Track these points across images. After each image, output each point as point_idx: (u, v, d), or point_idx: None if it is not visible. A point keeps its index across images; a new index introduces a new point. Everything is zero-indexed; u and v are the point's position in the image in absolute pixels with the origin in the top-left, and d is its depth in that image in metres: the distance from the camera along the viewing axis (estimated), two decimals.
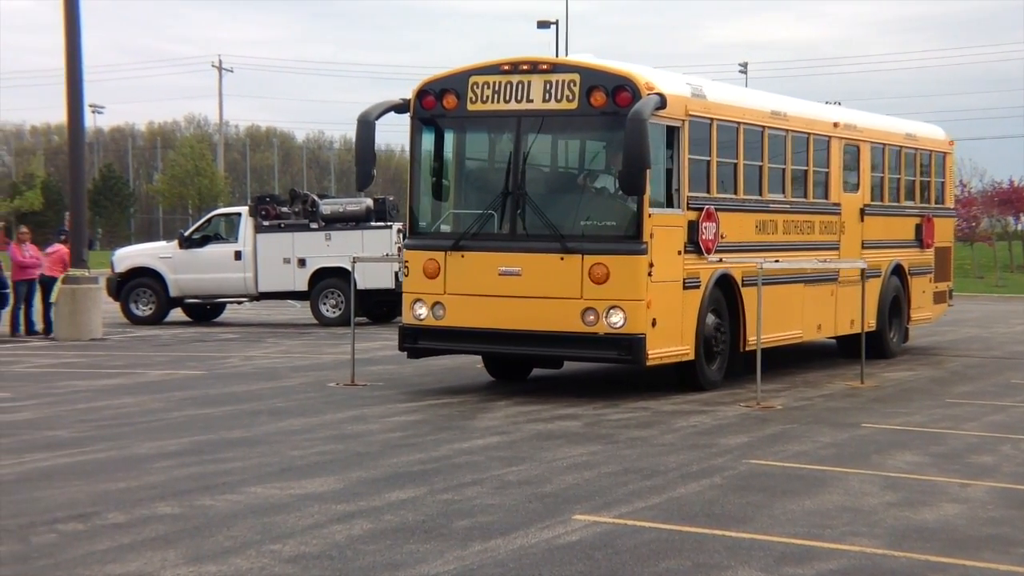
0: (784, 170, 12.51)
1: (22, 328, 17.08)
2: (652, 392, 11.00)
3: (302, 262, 18.89)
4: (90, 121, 66.21)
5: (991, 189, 41.38)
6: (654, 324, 10.21)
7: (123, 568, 5.27)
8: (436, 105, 10.77)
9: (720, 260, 11.28)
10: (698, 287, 10.89)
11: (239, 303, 20.26)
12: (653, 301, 10.20)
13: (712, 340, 11.16)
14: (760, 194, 12.06)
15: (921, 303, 15.25)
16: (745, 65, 59.67)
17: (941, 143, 16.15)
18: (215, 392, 11.07)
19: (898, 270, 14.53)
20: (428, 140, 10.99)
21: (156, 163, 77.95)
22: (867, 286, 13.53)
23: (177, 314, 20.03)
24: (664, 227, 10.42)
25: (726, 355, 11.39)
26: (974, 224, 40.68)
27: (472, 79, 10.66)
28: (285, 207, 19.46)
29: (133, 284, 19.41)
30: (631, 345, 10.09)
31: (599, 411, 9.92)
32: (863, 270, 12.91)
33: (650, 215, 10.17)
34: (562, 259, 10.21)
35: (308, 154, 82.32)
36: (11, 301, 17.10)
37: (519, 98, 10.49)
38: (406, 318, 10.84)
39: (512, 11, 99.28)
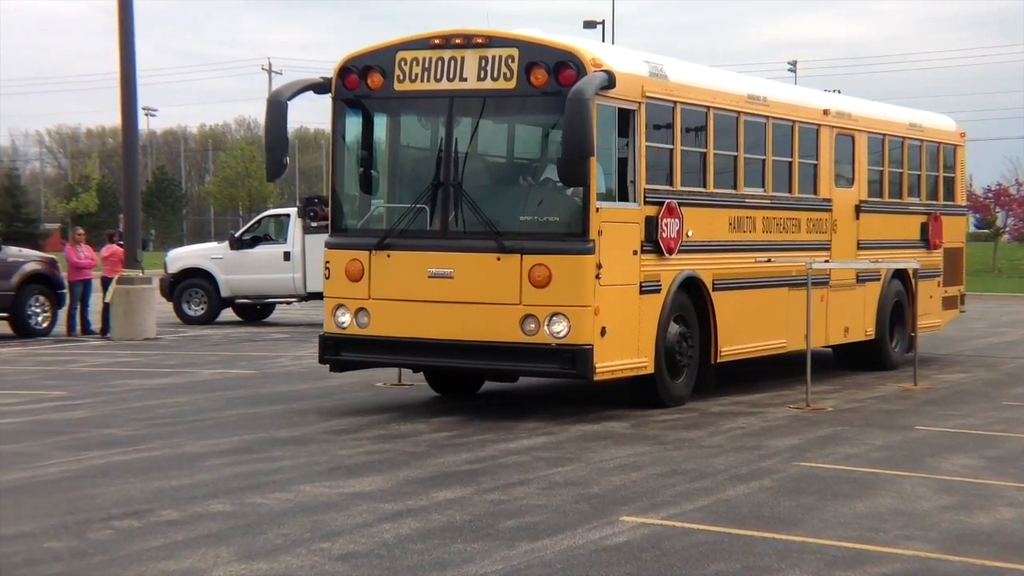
0: (764, 161, 11.17)
1: (78, 328, 17.44)
2: (700, 393, 10.91)
3: None
4: (143, 124, 67.36)
5: None
6: (603, 333, 9.01)
7: (176, 564, 5.36)
8: (360, 84, 9.56)
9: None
10: (658, 291, 9.67)
11: (288, 303, 20.47)
12: (602, 307, 9.00)
13: (676, 351, 9.92)
14: (735, 188, 10.79)
15: (928, 309, 13.77)
16: (794, 63, 59.06)
17: (951, 134, 14.72)
18: (265, 391, 11.19)
19: (900, 273, 13.16)
20: (351, 124, 9.82)
21: (207, 165, 79.06)
22: (864, 291, 12.63)
23: (228, 314, 20.29)
24: (616, 223, 9.22)
25: (695, 368, 10.19)
26: None
27: (399, 54, 9.45)
28: None
29: (185, 284, 19.69)
30: (575, 357, 8.89)
31: (645, 412, 9.87)
32: (915, 270, 12.61)
33: (598, 210, 8.99)
34: (499, 259, 9.02)
35: None
36: (67, 301, 17.48)
37: (451, 76, 9.26)
38: (327, 326, 9.67)
39: (559, 12, 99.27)
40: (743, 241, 10.90)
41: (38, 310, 17.17)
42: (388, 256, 9.41)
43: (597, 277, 9.02)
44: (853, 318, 12.47)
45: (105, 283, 17.31)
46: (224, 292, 19.61)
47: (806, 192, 11.90)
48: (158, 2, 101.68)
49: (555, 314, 8.94)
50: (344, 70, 9.70)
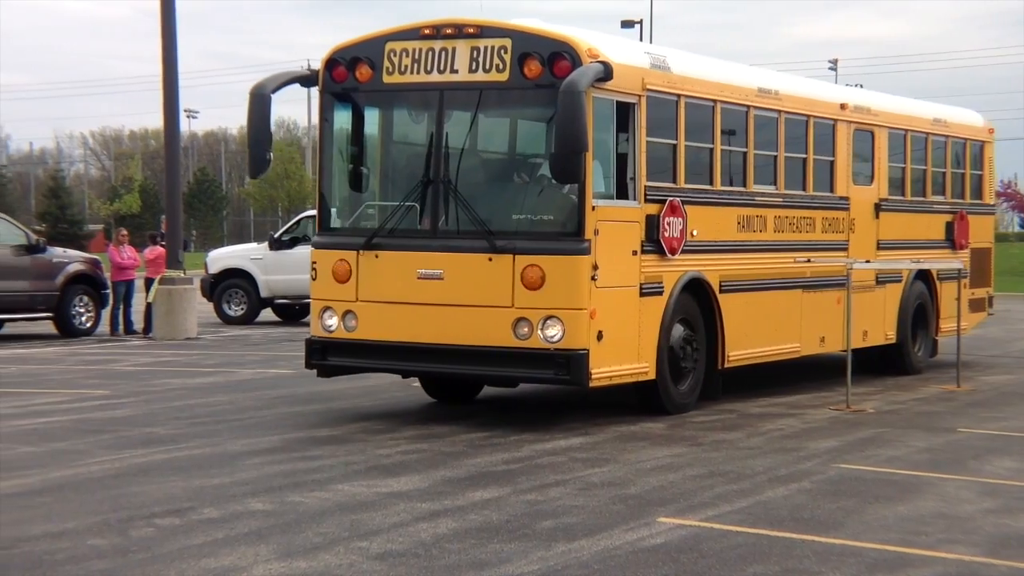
0: (776, 158, 10.70)
1: (121, 328, 17.69)
2: (737, 394, 10.85)
3: None
4: (185, 126, 68.13)
5: None
6: (600, 337, 8.61)
7: (217, 562, 5.42)
8: (348, 77, 9.18)
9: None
10: (660, 293, 9.25)
11: None
12: (599, 310, 8.59)
13: (680, 356, 9.52)
14: (744, 185, 10.33)
15: (953, 311, 12.99)
16: (835, 62, 58.40)
17: (978, 130, 14.09)
18: (304, 391, 11.28)
19: (924, 274, 12.64)
20: (339, 118, 9.43)
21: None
22: (884, 293, 12.13)
23: (268, 314, 20.48)
24: (613, 222, 8.79)
25: (700, 373, 9.78)
26: None
27: (388, 45, 9.06)
28: None
29: (226, 285, 19.89)
30: (569, 363, 8.47)
31: (682, 413, 9.82)
32: (959, 270, 12.35)
33: (594, 208, 8.58)
34: (490, 260, 8.62)
35: None
36: (111, 301, 17.74)
37: (442, 68, 8.87)
38: (314, 329, 9.31)
39: (595, 11, 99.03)
40: (753, 241, 10.45)
41: (82, 310, 17.45)
42: (376, 256, 9.02)
43: (593, 278, 8.58)
44: (872, 321, 11.91)
45: (147, 283, 17.54)
46: (263, 292, 19.80)
47: (821, 190, 11.38)
48: (200, 5, 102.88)
49: (549, 317, 8.53)
50: (331, 62, 9.31)
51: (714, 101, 9.96)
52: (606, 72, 8.58)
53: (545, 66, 8.61)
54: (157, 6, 17.15)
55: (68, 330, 17.23)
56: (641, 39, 37.28)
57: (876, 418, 9.84)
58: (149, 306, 17.34)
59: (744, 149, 10.38)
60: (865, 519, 6.30)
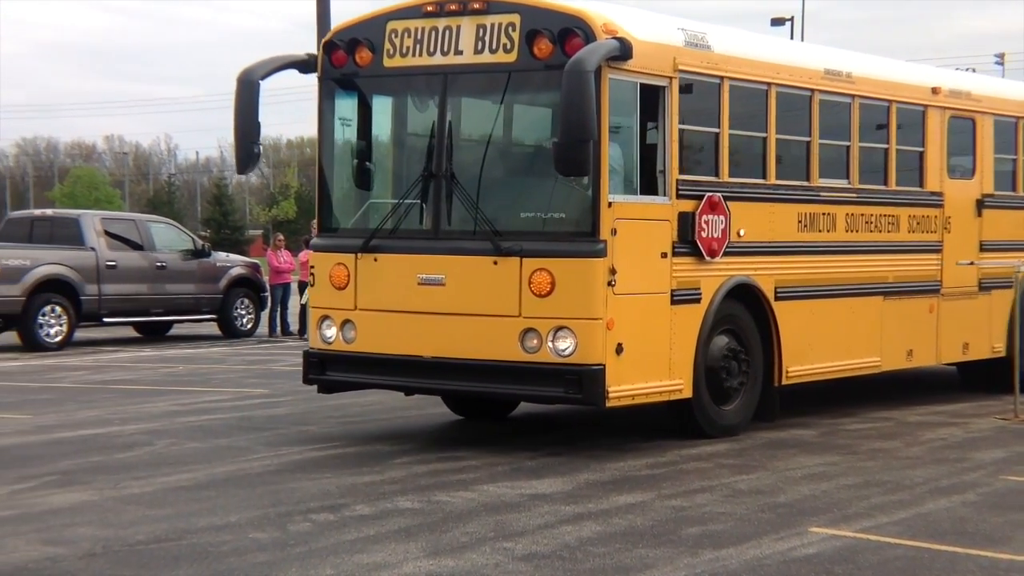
0: (848, 148, 9.50)
1: (279, 329, 18.45)
2: (894, 400, 10.42)
3: None
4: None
5: None
6: (619, 351, 7.66)
7: (370, 558, 5.56)
8: (347, 61, 8.32)
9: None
10: (697, 301, 8.21)
11: None
12: (617, 320, 7.64)
13: (722, 372, 8.44)
14: (807, 179, 9.19)
15: None
16: (1002, 56, 55.29)
17: None
18: None
19: None
20: (339, 107, 8.60)
21: None
22: (990, 300, 10.83)
23: None
24: (636, 221, 7.82)
25: (754, 391, 8.71)
26: None
27: (390, 25, 8.19)
28: None
29: None
30: (582, 379, 7.54)
31: (835, 419, 9.51)
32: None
33: (611, 204, 7.62)
34: (495, 263, 7.74)
35: None
36: (269, 304, 18.54)
37: (446, 49, 7.99)
38: (313, 341, 8.53)
39: (746, 10, 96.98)
40: (818, 242, 9.28)
41: (243, 312, 18.31)
42: (375, 260, 8.18)
43: (610, 284, 7.62)
44: (975, 332, 10.59)
45: (302, 286, 18.22)
46: None
47: (907, 185, 10.15)
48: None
49: (559, 328, 7.60)
50: (330, 45, 8.46)
51: (767, 84, 8.83)
52: (622, 50, 7.56)
53: (556, 44, 7.62)
54: (314, 20, 17.79)
55: (230, 331, 18.09)
56: (792, 36, 36.30)
57: None
58: (304, 308, 18.01)
59: (807, 138, 9.22)
60: None
